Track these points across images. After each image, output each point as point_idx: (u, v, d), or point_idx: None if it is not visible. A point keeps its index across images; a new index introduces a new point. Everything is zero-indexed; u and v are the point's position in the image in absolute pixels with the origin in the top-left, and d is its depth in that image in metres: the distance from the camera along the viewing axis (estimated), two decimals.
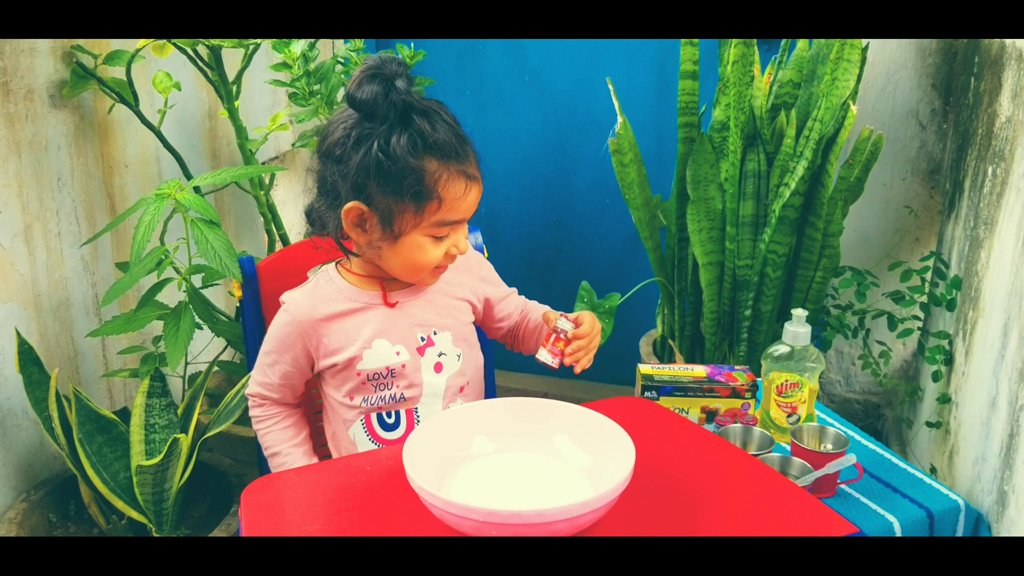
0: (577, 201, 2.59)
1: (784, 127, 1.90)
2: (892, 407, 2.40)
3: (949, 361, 1.83)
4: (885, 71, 2.20)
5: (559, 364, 1.27)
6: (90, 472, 1.54)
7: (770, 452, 1.37)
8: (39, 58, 1.67)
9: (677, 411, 1.54)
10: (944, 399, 1.81)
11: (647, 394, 1.54)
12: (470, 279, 1.40)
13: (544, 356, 1.27)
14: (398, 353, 1.31)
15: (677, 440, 1.25)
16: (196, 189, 1.57)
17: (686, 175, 1.95)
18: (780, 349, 1.51)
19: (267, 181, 1.91)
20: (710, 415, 1.55)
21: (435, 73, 2.57)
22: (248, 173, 1.61)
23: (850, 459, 1.32)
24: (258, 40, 1.56)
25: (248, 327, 1.49)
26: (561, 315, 1.28)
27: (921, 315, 2.11)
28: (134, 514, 1.56)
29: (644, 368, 1.57)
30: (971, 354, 1.68)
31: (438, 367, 1.34)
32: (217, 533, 1.57)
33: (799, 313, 1.49)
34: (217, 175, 1.58)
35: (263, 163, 2.33)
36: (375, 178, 1.16)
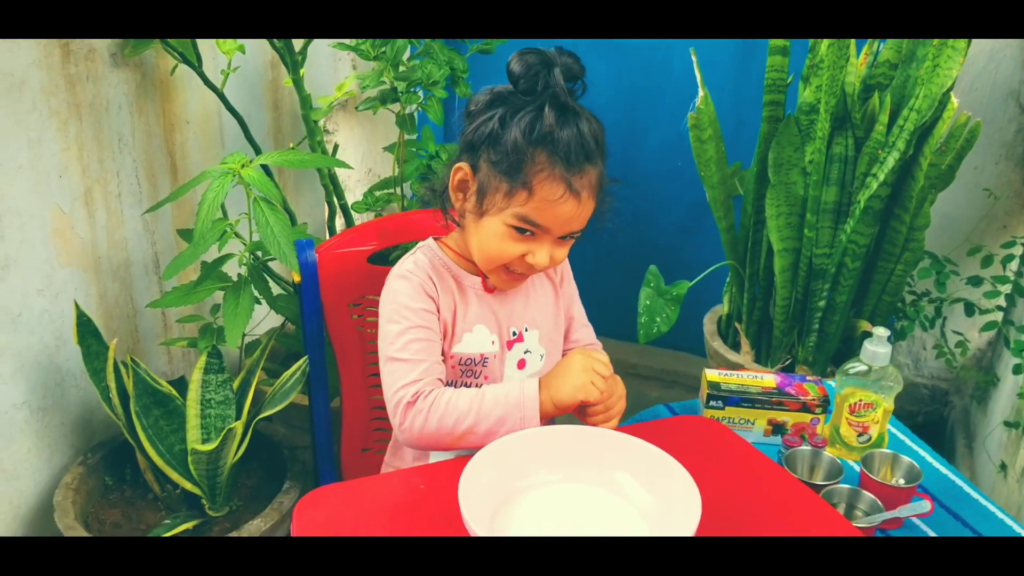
0: (647, 162, 2.49)
1: (876, 111, 1.78)
2: (961, 395, 2.31)
3: None
4: (988, 49, 2.04)
5: None
6: (146, 444, 1.54)
7: (838, 483, 1.31)
8: None
9: (743, 422, 1.49)
10: None
11: (712, 403, 1.48)
12: (567, 287, 1.40)
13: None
14: (493, 342, 1.29)
15: (740, 470, 1.21)
16: (263, 166, 1.52)
17: (768, 156, 1.84)
18: (857, 367, 1.44)
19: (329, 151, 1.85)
20: (777, 428, 1.49)
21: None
22: (316, 162, 1.56)
23: (923, 506, 1.26)
24: None
25: (306, 312, 1.46)
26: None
27: (1004, 304, 2.00)
28: (188, 485, 1.57)
29: (711, 375, 1.51)
30: None
31: (521, 363, 1.33)
32: (270, 510, 1.58)
33: (880, 332, 1.41)
34: (284, 156, 1.53)
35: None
36: (486, 144, 1.14)
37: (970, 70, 2.06)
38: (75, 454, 1.73)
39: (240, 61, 1.86)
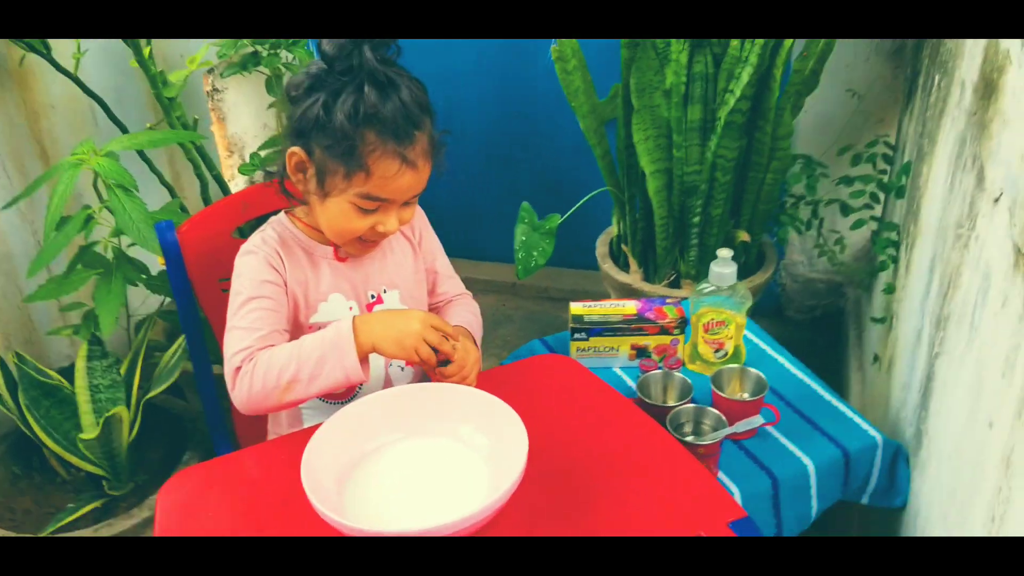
0: (539, 92, 2.50)
1: None
2: (853, 285, 2.39)
3: (897, 252, 1.81)
4: None
5: None
6: (40, 434, 1.59)
7: (688, 402, 1.39)
8: None
9: (608, 349, 1.56)
10: (889, 290, 1.80)
11: (577, 335, 1.55)
12: (427, 243, 1.42)
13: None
14: (351, 308, 1.32)
15: (583, 401, 1.28)
16: (111, 153, 1.53)
17: (630, 82, 1.87)
18: (707, 287, 1.50)
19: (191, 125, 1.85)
20: (640, 351, 1.56)
21: None
22: (168, 140, 1.56)
23: (756, 420, 1.34)
24: None
25: (175, 291, 1.49)
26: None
27: (875, 200, 2.06)
28: (90, 468, 1.63)
29: (575, 308, 1.57)
30: (911, 266, 1.65)
31: None
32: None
33: (724, 253, 1.47)
34: (134, 139, 1.54)
35: (206, 71, 2.26)
36: (314, 130, 1.15)
37: None
38: None
39: (96, 41, 1.84)
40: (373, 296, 1.35)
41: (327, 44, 1.13)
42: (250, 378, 1.18)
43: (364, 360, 1.18)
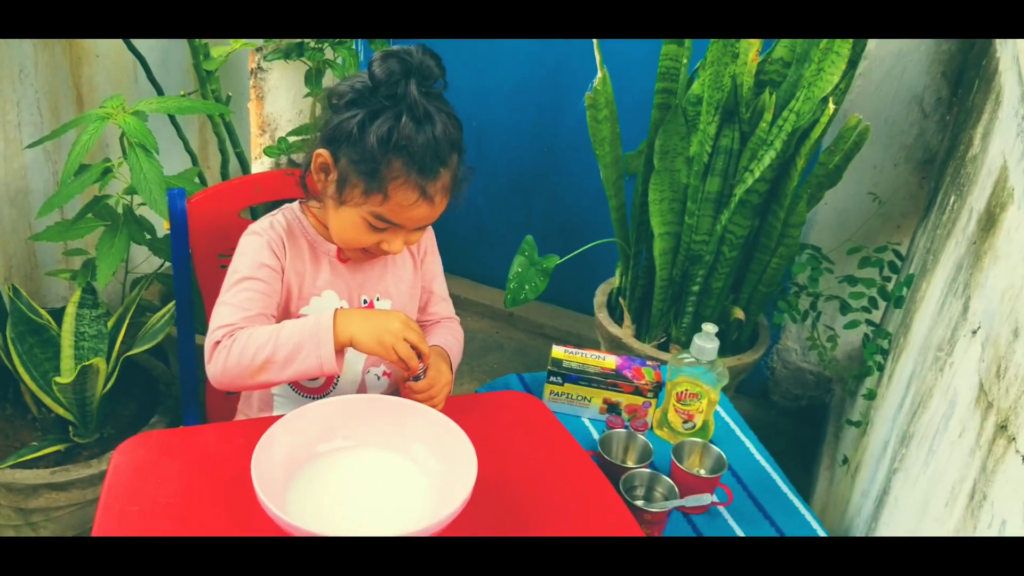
0: (569, 129, 2.54)
1: (764, 108, 1.83)
2: (843, 382, 2.40)
3: (884, 360, 1.82)
4: (896, 50, 2.07)
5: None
6: (21, 370, 1.62)
7: (646, 466, 1.40)
8: None
9: (580, 398, 1.58)
10: (870, 395, 1.82)
11: (553, 378, 1.57)
12: (430, 263, 1.45)
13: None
14: (342, 307, 1.33)
15: (541, 445, 1.29)
16: (139, 112, 1.57)
17: (655, 143, 1.90)
18: (687, 358, 1.52)
19: (224, 100, 1.89)
20: (612, 407, 1.58)
21: None
22: (195, 108, 1.60)
23: (707, 498, 1.35)
24: None
25: (174, 258, 1.52)
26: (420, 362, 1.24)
27: (873, 305, 2.07)
28: (60, 411, 1.66)
29: (557, 351, 1.59)
30: (893, 376, 1.67)
31: None
32: None
33: (708, 328, 1.49)
34: (163, 102, 1.58)
35: (255, 48, 2.31)
36: (345, 142, 1.19)
37: (876, 72, 2.10)
38: None
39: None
40: (366, 301, 1.37)
41: (378, 67, 1.17)
42: (227, 352, 1.20)
43: (340, 353, 1.21)
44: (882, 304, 2.00)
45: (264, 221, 1.35)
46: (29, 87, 1.79)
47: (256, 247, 1.30)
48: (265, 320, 1.27)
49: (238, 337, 1.21)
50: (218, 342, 1.22)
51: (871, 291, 1.92)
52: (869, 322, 1.98)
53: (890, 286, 1.97)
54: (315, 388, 1.40)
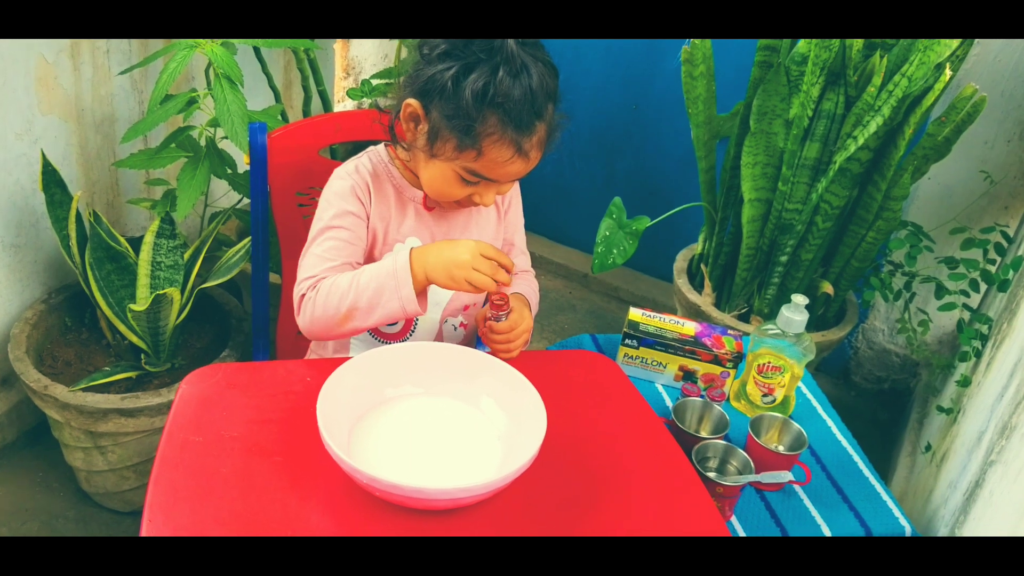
0: (659, 90, 2.45)
1: (874, 71, 1.72)
2: (929, 369, 2.29)
3: (982, 346, 1.72)
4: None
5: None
6: (97, 295, 1.63)
7: (720, 438, 1.34)
8: None
9: (655, 363, 1.52)
10: (964, 383, 1.72)
11: (628, 341, 1.51)
12: (513, 215, 1.42)
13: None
14: None
15: (613, 408, 1.24)
16: (228, 43, 1.54)
17: (752, 103, 1.80)
18: (772, 329, 1.44)
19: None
20: (687, 375, 1.51)
21: None
22: (282, 43, 1.57)
23: (785, 475, 1.28)
24: None
25: (252, 193, 1.50)
26: (498, 301, 1.21)
27: (973, 288, 1.96)
28: (134, 339, 1.67)
29: (634, 313, 1.54)
30: (993, 364, 1.57)
31: None
32: None
33: (798, 299, 1.41)
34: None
35: None
36: (439, 95, 1.14)
37: (995, 43, 1.96)
38: (46, 292, 1.84)
39: None
40: None
41: None
42: (312, 304, 1.21)
43: (422, 294, 1.19)
44: (982, 288, 1.88)
45: (350, 164, 1.32)
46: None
47: (341, 193, 1.28)
48: (349, 270, 1.25)
49: (320, 288, 1.21)
50: (303, 295, 1.23)
51: (973, 273, 1.80)
52: (966, 307, 1.86)
53: (994, 269, 1.85)
54: (393, 334, 1.37)
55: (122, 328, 1.66)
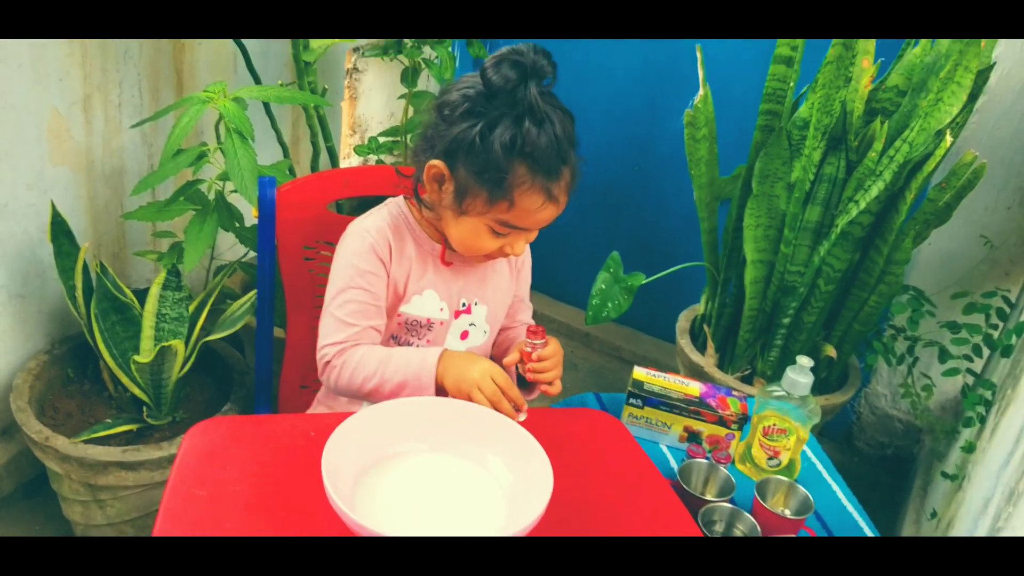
0: (661, 150, 2.48)
1: (875, 136, 1.75)
2: (933, 434, 2.28)
3: (986, 412, 1.72)
4: (1018, 88, 1.97)
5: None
6: (101, 346, 1.63)
7: (726, 501, 1.33)
8: None
9: (660, 424, 1.51)
10: (969, 449, 1.71)
11: (632, 400, 1.50)
12: (525, 273, 1.46)
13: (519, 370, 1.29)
14: (441, 309, 1.34)
15: (618, 468, 1.23)
16: (239, 99, 1.57)
17: (755, 166, 1.83)
18: (777, 391, 1.44)
19: (320, 93, 1.89)
20: (692, 436, 1.51)
21: None
22: (294, 98, 1.60)
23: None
24: None
25: (260, 247, 1.51)
26: (533, 335, 1.26)
27: (976, 353, 1.96)
28: (136, 391, 1.66)
29: (638, 372, 1.53)
30: (998, 429, 1.56)
31: (464, 335, 1.38)
32: None
33: (804, 361, 1.41)
34: (263, 91, 1.58)
35: (352, 48, 2.31)
36: (465, 153, 1.17)
37: (995, 109, 2.00)
38: (49, 342, 1.84)
39: None
40: (464, 304, 1.36)
41: (494, 74, 1.15)
42: (338, 374, 1.24)
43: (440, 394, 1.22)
44: (985, 353, 1.89)
45: (368, 220, 1.33)
46: (132, 69, 1.81)
47: (361, 252, 1.29)
48: (372, 334, 1.28)
49: (347, 361, 1.24)
50: (329, 362, 1.25)
51: (975, 338, 1.81)
52: (970, 371, 1.86)
53: (996, 334, 1.85)
54: None
55: (125, 380, 1.65)
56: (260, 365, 1.59)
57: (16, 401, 1.65)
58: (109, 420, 1.64)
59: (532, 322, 1.51)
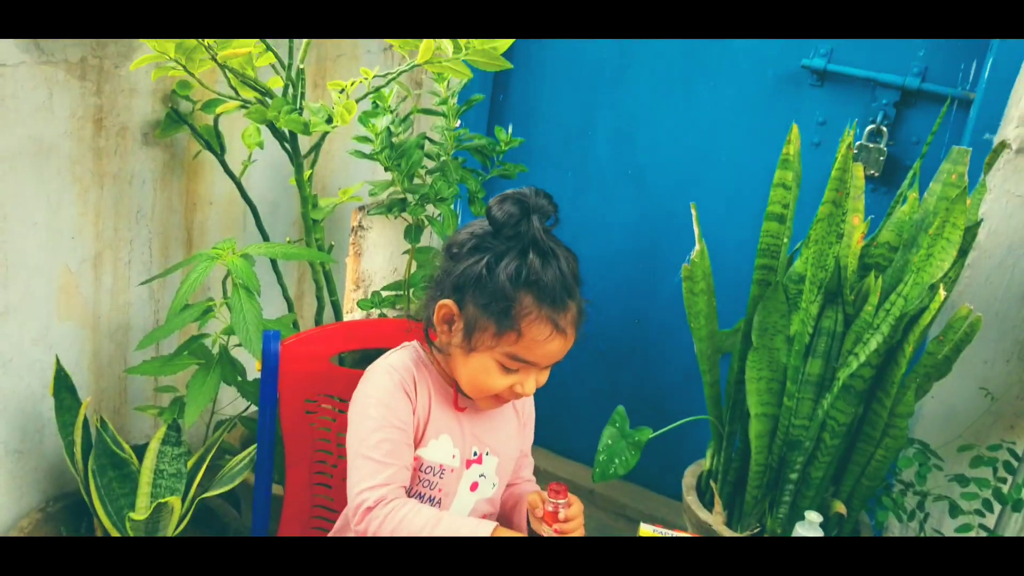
0: (661, 305, 2.51)
1: (870, 291, 1.78)
2: None
3: None
4: (1007, 243, 2.01)
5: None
6: (97, 503, 1.60)
7: None
8: (138, 98, 1.75)
9: None
10: None
11: None
12: (529, 427, 1.47)
13: (546, 532, 1.27)
14: (454, 456, 1.33)
15: None
16: (248, 256, 1.61)
17: (754, 319, 1.85)
18: None
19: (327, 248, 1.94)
20: None
21: (540, 152, 2.55)
22: (301, 254, 1.65)
23: None
24: (331, 127, 1.57)
25: (262, 401, 1.51)
26: (555, 495, 1.26)
27: (987, 507, 1.92)
28: None
29: (645, 529, 1.49)
30: None
31: (474, 486, 1.37)
32: None
33: (812, 517, 1.38)
34: (271, 248, 1.62)
35: (358, 207, 2.39)
36: (473, 287, 1.21)
37: (986, 264, 2.04)
38: (44, 500, 1.80)
39: (270, 153, 1.96)
40: (475, 453, 1.36)
41: (497, 210, 1.20)
42: (379, 524, 1.20)
43: None
44: (997, 507, 1.85)
45: (394, 357, 1.34)
46: (144, 228, 1.86)
47: (389, 389, 1.29)
48: (406, 473, 1.26)
49: (391, 513, 1.20)
50: (370, 508, 1.22)
51: (985, 492, 1.78)
52: (983, 527, 1.82)
53: (1005, 488, 1.82)
54: None
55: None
56: (257, 522, 1.55)
57: None
58: None
59: (533, 478, 1.50)
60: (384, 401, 1.28)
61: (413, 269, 2.02)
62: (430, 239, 2.48)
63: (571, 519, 1.26)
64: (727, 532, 1.95)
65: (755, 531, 1.97)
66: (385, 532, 1.20)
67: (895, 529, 2.27)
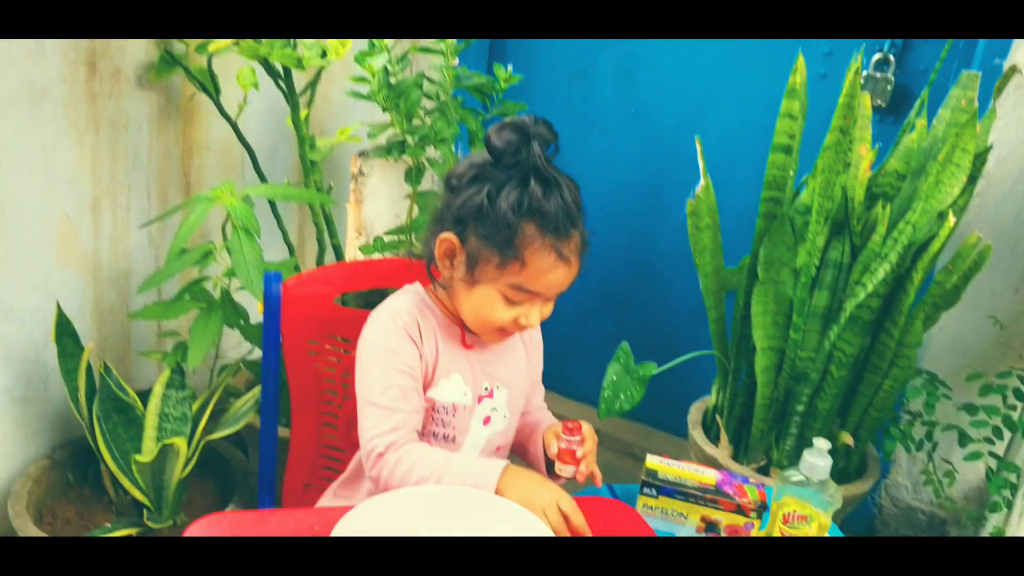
0: (665, 244, 2.49)
1: (877, 220, 1.75)
2: (959, 526, 2.21)
3: (1013, 496, 1.66)
4: (1017, 171, 1.98)
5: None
6: (102, 447, 1.61)
7: None
8: (130, 41, 1.72)
9: (676, 514, 1.46)
10: (998, 534, 1.65)
11: (647, 490, 1.46)
12: (536, 356, 1.45)
13: (566, 472, 1.27)
14: (466, 394, 1.32)
15: None
16: (247, 198, 1.59)
17: (760, 253, 1.83)
18: (795, 476, 1.40)
19: (326, 191, 1.91)
20: (710, 526, 1.46)
21: (543, 94, 2.51)
22: (300, 197, 1.62)
23: None
24: (326, 61, 1.54)
25: (265, 343, 1.50)
26: (570, 432, 1.27)
27: (997, 435, 1.91)
28: (137, 494, 1.63)
29: (651, 462, 1.50)
30: None
31: (487, 420, 1.36)
32: None
33: (821, 444, 1.37)
34: (269, 189, 1.60)
35: (357, 152, 2.36)
36: (474, 219, 1.18)
37: (995, 192, 2.01)
38: (50, 447, 1.81)
39: (267, 95, 1.93)
40: (487, 388, 1.35)
41: (496, 138, 1.17)
42: (391, 469, 1.20)
43: None
44: (1006, 435, 1.84)
45: (395, 302, 1.32)
46: (141, 174, 1.84)
47: (393, 335, 1.27)
48: (416, 418, 1.25)
49: (403, 457, 1.20)
50: (381, 454, 1.21)
51: (994, 420, 1.77)
52: (992, 454, 1.82)
53: (1015, 415, 1.81)
54: None
55: (125, 482, 1.62)
56: (264, 465, 1.55)
57: (14, 507, 1.62)
58: (108, 525, 1.60)
59: (544, 405, 1.50)
60: (389, 347, 1.26)
61: (415, 213, 1.99)
62: (432, 183, 2.46)
63: (587, 454, 1.27)
64: (734, 465, 1.96)
65: (761, 463, 1.97)
66: (397, 476, 1.19)
67: (903, 462, 2.27)
